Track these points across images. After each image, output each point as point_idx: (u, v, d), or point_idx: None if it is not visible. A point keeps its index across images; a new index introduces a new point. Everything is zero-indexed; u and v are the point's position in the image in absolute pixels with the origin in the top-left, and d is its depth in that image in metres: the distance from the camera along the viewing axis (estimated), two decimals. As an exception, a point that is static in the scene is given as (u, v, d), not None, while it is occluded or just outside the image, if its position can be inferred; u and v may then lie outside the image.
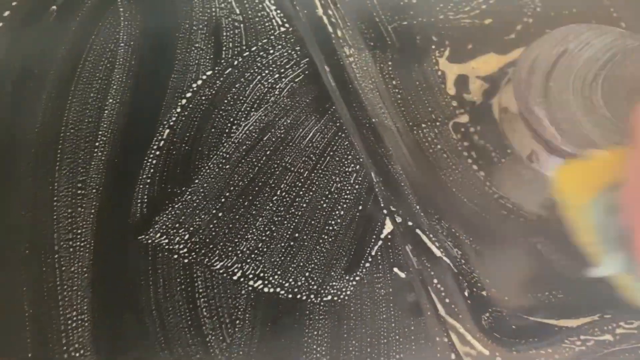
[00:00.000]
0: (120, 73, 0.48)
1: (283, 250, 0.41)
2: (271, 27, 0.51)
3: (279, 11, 0.52)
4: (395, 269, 0.40)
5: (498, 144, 0.46)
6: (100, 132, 0.45)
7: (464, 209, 0.43)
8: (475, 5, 0.54)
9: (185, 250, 0.40)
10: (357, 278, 0.40)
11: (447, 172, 0.45)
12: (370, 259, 0.40)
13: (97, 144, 0.45)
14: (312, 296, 0.39)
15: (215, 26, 0.51)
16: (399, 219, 0.42)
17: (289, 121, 0.46)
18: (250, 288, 0.39)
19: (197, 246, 0.41)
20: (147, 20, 0.51)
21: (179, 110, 0.46)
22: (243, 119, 0.46)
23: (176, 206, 0.42)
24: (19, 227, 0.41)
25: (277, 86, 0.48)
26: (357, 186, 0.43)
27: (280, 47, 0.50)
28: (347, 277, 0.40)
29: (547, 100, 0.43)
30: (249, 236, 0.41)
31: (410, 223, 0.42)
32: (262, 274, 0.40)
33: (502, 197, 0.44)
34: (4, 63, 0.48)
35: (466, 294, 0.40)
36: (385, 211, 0.42)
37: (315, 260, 0.40)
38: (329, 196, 0.43)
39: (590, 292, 0.40)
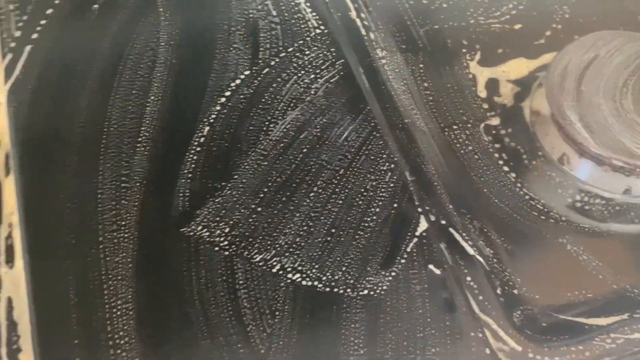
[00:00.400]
0: (161, 71, 0.49)
1: (320, 245, 0.42)
2: (307, 29, 0.52)
3: (314, 14, 0.53)
4: (431, 266, 0.41)
5: (529, 147, 0.47)
6: (142, 128, 0.47)
7: (495, 210, 0.44)
8: (505, 10, 0.55)
9: (225, 242, 0.42)
10: (393, 274, 0.41)
11: (478, 173, 0.46)
12: (405, 256, 0.41)
13: (139, 139, 0.46)
14: (348, 290, 0.40)
15: (253, 27, 0.52)
16: (432, 218, 0.43)
17: (324, 120, 0.47)
18: (289, 281, 0.41)
19: (237, 239, 0.42)
20: (186, 20, 0.52)
21: (218, 108, 0.48)
22: (280, 118, 0.47)
23: (217, 200, 0.43)
24: (65, 219, 0.43)
25: (313, 86, 0.49)
26: (391, 184, 0.44)
27: (315, 48, 0.51)
28: (383, 273, 0.41)
29: (579, 104, 0.44)
30: (287, 231, 0.42)
31: (443, 222, 0.43)
32: (300, 268, 0.41)
33: (532, 198, 0.45)
34: (48, 60, 0.50)
35: (498, 291, 0.41)
36: (419, 209, 0.43)
37: (352, 256, 0.42)
38: (365, 194, 0.44)
39: (620, 292, 0.41)
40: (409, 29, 0.55)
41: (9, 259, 0.42)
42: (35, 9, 0.53)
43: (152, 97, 0.48)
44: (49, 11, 0.53)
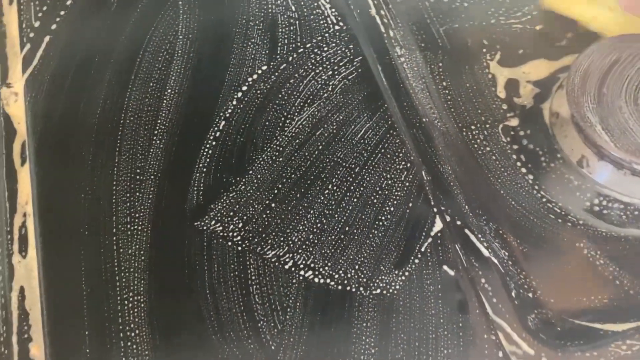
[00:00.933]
0: (179, 65, 0.49)
1: (333, 242, 0.42)
2: (325, 25, 0.52)
3: (333, 10, 0.53)
4: (445, 267, 0.41)
5: (548, 148, 0.46)
6: (159, 121, 0.46)
7: (512, 212, 0.44)
8: (526, 11, 0.54)
9: (239, 238, 0.42)
10: (407, 273, 0.40)
11: (495, 174, 0.45)
12: (419, 256, 0.41)
13: (155, 132, 0.46)
14: (361, 289, 0.40)
15: (271, 22, 0.52)
16: (448, 218, 0.43)
17: (341, 117, 0.47)
18: (301, 277, 0.40)
19: (251, 235, 0.42)
20: (205, 14, 0.52)
21: (234, 103, 0.47)
22: (296, 114, 0.47)
23: (231, 195, 0.43)
24: (79, 210, 0.43)
25: (331, 83, 0.49)
26: (407, 184, 0.44)
27: (334, 45, 0.51)
28: (396, 272, 0.41)
29: (600, 107, 0.43)
30: (301, 227, 0.42)
31: (459, 222, 0.43)
32: (312, 265, 0.41)
33: (550, 201, 0.44)
34: (66, 51, 0.50)
35: (513, 294, 0.40)
36: (435, 209, 0.43)
37: (365, 254, 0.41)
38: (380, 192, 0.43)
39: (637, 298, 0.40)
40: (428, 27, 0.54)
41: (22, 248, 0.42)
42: (55, 0, 0.53)
43: (169, 91, 0.48)
44: (69, 2, 0.53)
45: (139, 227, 0.42)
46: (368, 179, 0.44)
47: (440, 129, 0.48)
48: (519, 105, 0.49)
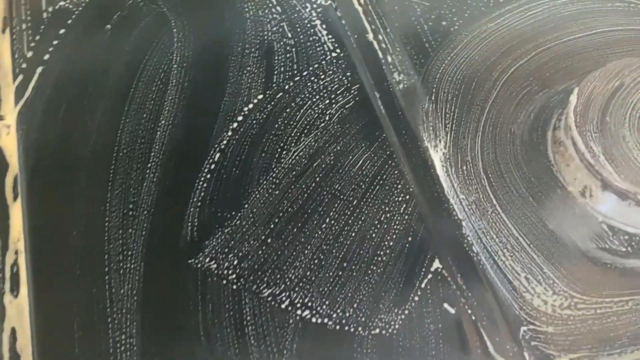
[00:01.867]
0: (173, 94, 0.48)
1: (331, 279, 0.41)
2: (322, 52, 0.51)
3: (330, 36, 0.52)
4: (445, 304, 0.40)
5: (550, 177, 0.45)
6: (152, 154, 0.46)
7: (515, 242, 0.43)
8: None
9: (234, 276, 0.41)
10: (406, 312, 0.39)
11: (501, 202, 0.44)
12: (419, 292, 0.40)
13: (149, 165, 0.45)
14: (360, 328, 0.39)
15: (268, 50, 0.51)
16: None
17: (338, 148, 0.46)
18: (298, 317, 0.39)
19: (246, 272, 0.41)
20: (200, 41, 0.51)
21: (230, 134, 0.47)
22: (293, 144, 0.46)
23: (226, 230, 0.42)
24: (71, 247, 0.42)
25: (328, 112, 0.48)
26: (406, 216, 0.43)
27: (331, 72, 0.50)
28: (396, 310, 0.39)
29: (603, 135, 0.42)
30: (298, 264, 0.41)
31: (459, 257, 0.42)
32: (310, 303, 0.40)
33: (552, 232, 0.43)
34: (59, 81, 0.49)
35: (514, 331, 0.39)
36: (435, 243, 0.42)
37: (364, 292, 0.40)
38: (379, 226, 0.42)
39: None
40: (427, 51, 0.53)
41: (14, 287, 0.41)
42: (48, 29, 0.52)
43: (163, 122, 0.47)
44: (62, 31, 0.52)
45: (132, 266, 0.41)
46: (366, 212, 0.43)
47: (441, 160, 0.47)
48: (520, 133, 0.48)
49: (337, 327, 0.39)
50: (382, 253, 0.42)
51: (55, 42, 0.51)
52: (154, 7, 0.53)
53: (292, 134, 0.47)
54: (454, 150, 0.47)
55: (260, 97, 0.48)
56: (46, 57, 0.50)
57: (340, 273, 0.41)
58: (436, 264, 0.41)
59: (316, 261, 0.41)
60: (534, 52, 0.54)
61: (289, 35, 0.52)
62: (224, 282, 0.40)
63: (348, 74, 0.50)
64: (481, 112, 0.50)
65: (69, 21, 0.53)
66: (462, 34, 0.54)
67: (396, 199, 0.44)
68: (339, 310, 0.39)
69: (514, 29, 0.55)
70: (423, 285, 0.40)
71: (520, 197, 0.45)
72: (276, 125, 0.47)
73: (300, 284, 0.40)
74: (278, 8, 0.53)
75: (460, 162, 0.46)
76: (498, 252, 0.43)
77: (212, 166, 0.45)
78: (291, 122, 0.47)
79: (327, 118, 0.47)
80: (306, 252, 0.42)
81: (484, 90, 0.51)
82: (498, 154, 0.47)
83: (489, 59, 0.53)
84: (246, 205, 0.43)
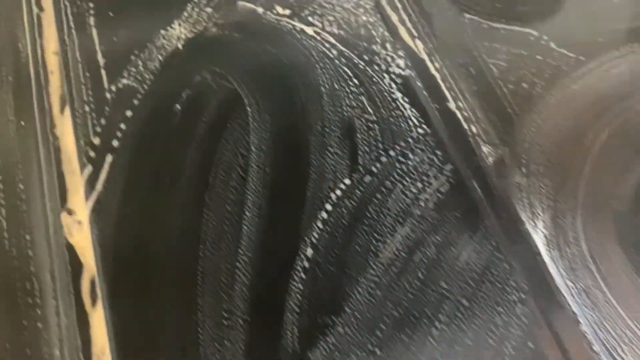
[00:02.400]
0: (255, 182, 0.45)
1: (450, 393, 0.37)
2: (407, 127, 0.48)
3: (413, 109, 0.49)
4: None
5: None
6: (240, 251, 0.42)
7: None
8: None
9: (343, 394, 0.37)
10: None
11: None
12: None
13: (238, 265, 0.42)
14: None
15: (349, 127, 0.48)
16: None
17: (439, 239, 0.43)
18: None
19: (357, 390, 0.37)
20: (276, 120, 0.48)
21: (320, 225, 0.43)
22: (389, 235, 0.43)
23: (328, 340, 0.39)
24: (163, 364, 0.39)
25: (421, 196, 0.45)
26: (524, 318, 0.39)
27: (420, 151, 0.47)
28: None
29: None
30: (411, 378, 0.38)
31: (584, 360, 0.38)
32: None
33: None
34: (132, 173, 0.46)
35: None
36: (560, 350, 0.38)
37: (487, 407, 0.37)
38: (495, 331, 0.39)
39: None
40: (510, 116, 0.50)
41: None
42: (114, 112, 0.49)
43: (248, 214, 0.44)
44: (129, 113, 0.48)
45: (233, 386, 0.38)
46: (479, 314, 0.40)
47: (543, 240, 0.44)
48: None
49: None
50: (501, 361, 0.38)
51: (122, 126, 0.48)
52: (224, 82, 0.50)
53: (386, 223, 0.44)
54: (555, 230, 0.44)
55: (347, 181, 0.45)
56: (115, 143, 0.47)
57: (459, 385, 0.37)
58: (563, 376, 0.38)
59: (431, 373, 0.38)
60: (626, 115, 0.51)
61: (370, 110, 0.49)
62: (334, 402, 0.37)
63: (438, 152, 0.47)
64: (576, 186, 0.47)
65: (135, 101, 0.49)
66: (544, 97, 0.51)
67: (509, 297, 0.40)
68: None
69: (600, 89, 0.52)
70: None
71: (631, 283, 0.42)
72: (368, 214, 0.44)
73: (417, 401, 0.37)
74: (355, 80, 0.50)
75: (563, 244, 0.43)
76: (616, 347, 0.39)
77: (306, 264, 0.42)
78: (383, 209, 0.44)
79: (421, 204, 0.44)
80: (419, 362, 0.38)
81: (576, 160, 0.48)
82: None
83: (577, 124, 0.50)
84: (347, 309, 0.40)
